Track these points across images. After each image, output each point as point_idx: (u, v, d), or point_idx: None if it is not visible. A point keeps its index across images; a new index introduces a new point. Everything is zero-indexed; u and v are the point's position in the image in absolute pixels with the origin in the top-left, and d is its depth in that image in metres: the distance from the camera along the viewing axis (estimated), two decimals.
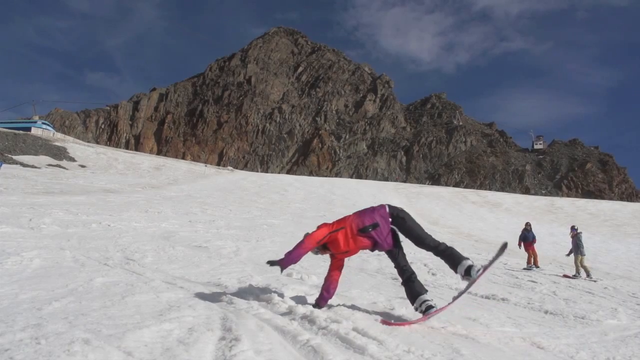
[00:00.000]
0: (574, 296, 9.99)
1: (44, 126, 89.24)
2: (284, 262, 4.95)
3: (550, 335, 5.39)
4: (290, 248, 5.08)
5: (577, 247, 15.62)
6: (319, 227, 5.16)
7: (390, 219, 5.21)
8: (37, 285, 5.51)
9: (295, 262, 5.08)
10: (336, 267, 5.35)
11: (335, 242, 5.10)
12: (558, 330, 5.86)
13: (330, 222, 5.33)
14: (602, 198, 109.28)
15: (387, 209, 5.26)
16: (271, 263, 4.99)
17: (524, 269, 15.69)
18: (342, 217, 5.37)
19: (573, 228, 16.61)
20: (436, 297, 7.61)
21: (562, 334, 5.60)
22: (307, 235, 5.08)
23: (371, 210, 5.27)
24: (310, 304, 5.28)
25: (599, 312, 7.71)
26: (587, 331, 6.06)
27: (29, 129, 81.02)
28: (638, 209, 63.74)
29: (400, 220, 5.23)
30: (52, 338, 3.23)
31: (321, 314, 4.67)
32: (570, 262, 17.67)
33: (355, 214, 5.27)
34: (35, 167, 44.94)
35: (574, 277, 14.32)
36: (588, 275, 14.56)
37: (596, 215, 56.73)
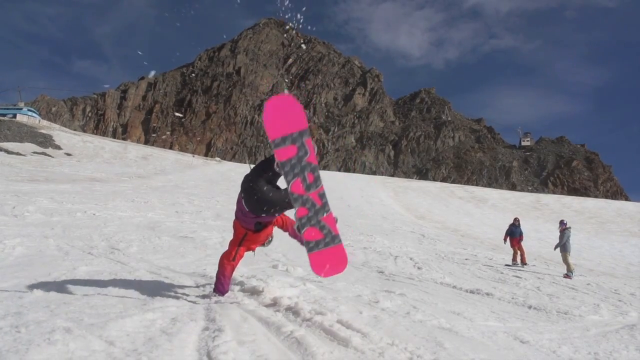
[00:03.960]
0: (557, 292, 10.08)
1: (30, 113, 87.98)
2: (222, 292, 4.91)
3: (534, 330, 5.44)
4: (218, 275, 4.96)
5: (561, 242, 15.21)
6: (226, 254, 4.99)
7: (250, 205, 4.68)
8: (19, 273, 5.44)
9: (228, 287, 5.00)
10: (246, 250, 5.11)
11: (251, 240, 4.96)
12: (541, 325, 5.91)
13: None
14: (588, 195, 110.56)
15: (245, 205, 4.74)
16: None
17: (507, 265, 15.36)
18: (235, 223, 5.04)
19: (562, 222, 16.13)
20: (421, 291, 7.64)
21: (545, 329, 5.65)
22: (220, 259, 4.96)
23: (241, 214, 4.87)
24: (295, 296, 5.27)
25: (581, 307, 7.79)
26: (569, 326, 6.11)
27: (14, 116, 79.90)
28: (622, 207, 64.47)
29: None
30: (33, 326, 3.19)
31: (306, 305, 4.66)
32: (556, 258, 17.76)
33: (239, 220, 4.93)
34: (20, 155, 44.40)
35: (567, 276, 13.93)
36: (569, 271, 14.38)
37: (581, 212, 57.29)
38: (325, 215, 4.38)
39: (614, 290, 11.66)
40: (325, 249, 4.47)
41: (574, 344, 4.93)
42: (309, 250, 4.50)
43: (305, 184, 4.23)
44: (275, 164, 4.25)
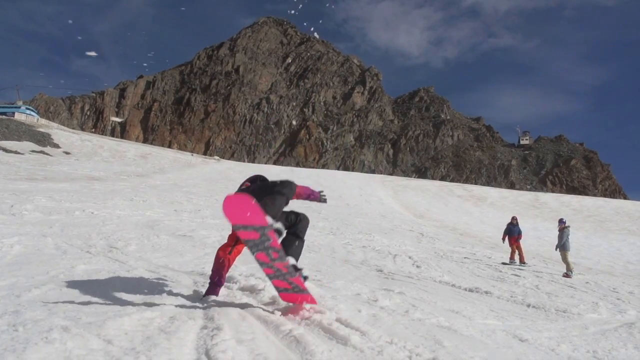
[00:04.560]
0: (556, 290, 10.09)
1: (28, 111, 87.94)
2: (216, 289, 4.83)
3: (532, 329, 5.43)
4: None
5: (561, 241, 15.05)
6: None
7: None
8: (16, 271, 5.43)
9: (224, 280, 4.94)
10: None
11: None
12: (540, 324, 5.91)
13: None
14: (586, 194, 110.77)
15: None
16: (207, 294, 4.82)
17: (503, 263, 15.28)
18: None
19: (561, 221, 15.95)
20: (420, 290, 7.64)
21: (544, 327, 5.64)
22: (217, 252, 4.88)
23: None
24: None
25: (580, 306, 7.80)
26: (568, 324, 6.12)
27: (12, 114, 79.82)
28: (621, 205, 64.56)
29: None
30: (30, 325, 3.17)
31: (305, 304, 4.65)
32: (555, 257, 17.76)
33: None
34: (19, 153, 44.38)
35: (567, 275, 13.72)
36: (569, 270, 14.16)
37: (580, 211, 57.35)
38: (293, 277, 4.37)
39: (613, 289, 11.68)
40: (293, 294, 4.52)
41: (572, 342, 4.93)
42: (278, 291, 4.57)
43: (269, 258, 4.19)
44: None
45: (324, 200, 5.07)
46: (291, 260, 4.30)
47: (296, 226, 4.66)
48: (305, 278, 4.54)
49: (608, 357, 4.54)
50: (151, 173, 43.18)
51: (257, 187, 4.87)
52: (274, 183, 4.81)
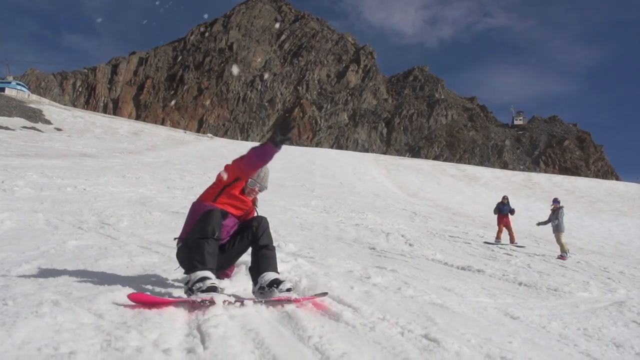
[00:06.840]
0: (547, 269, 10.16)
1: (19, 87, 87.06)
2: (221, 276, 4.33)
3: (524, 306, 5.46)
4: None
5: (556, 222, 14.47)
6: None
7: None
8: (7, 246, 5.39)
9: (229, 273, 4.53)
10: None
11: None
12: (531, 302, 5.95)
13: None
14: (579, 175, 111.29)
15: None
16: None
17: (486, 242, 14.99)
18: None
19: (555, 200, 15.49)
20: (412, 267, 7.66)
21: (535, 305, 5.68)
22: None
23: None
24: (286, 271, 5.25)
25: (571, 284, 7.85)
26: (559, 303, 6.16)
27: (2, 90, 78.98)
28: (612, 186, 65.01)
29: None
30: (20, 299, 3.14)
31: (296, 280, 4.65)
32: (547, 236, 17.85)
33: None
34: (9, 129, 43.98)
35: (562, 257, 13.07)
36: (564, 252, 13.82)
37: (572, 191, 57.69)
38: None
39: (603, 268, 11.78)
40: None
41: (563, 320, 4.95)
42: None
43: None
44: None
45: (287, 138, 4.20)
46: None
47: (258, 238, 4.18)
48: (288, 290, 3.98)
49: (598, 335, 4.57)
50: (144, 150, 42.95)
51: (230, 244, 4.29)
52: (254, 234, 4.20)
